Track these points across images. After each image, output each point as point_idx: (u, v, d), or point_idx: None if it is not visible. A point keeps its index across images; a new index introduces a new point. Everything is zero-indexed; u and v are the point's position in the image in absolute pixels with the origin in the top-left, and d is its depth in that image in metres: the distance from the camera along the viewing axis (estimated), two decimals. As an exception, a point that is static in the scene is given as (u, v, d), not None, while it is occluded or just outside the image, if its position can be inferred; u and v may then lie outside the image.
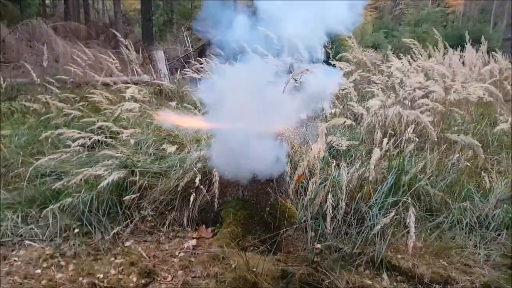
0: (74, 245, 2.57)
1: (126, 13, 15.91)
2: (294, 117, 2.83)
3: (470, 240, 2.90)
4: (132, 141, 3.14)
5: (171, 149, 2.85)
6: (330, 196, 2.58)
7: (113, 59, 4.43)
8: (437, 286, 2.35)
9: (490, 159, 4.18)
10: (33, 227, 2.68)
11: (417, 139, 3.71)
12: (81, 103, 3.91)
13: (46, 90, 4.34)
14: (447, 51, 5.59)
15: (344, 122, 2.58)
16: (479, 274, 2.49)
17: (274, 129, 2.69)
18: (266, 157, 2.61)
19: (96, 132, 3.25)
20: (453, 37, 13.70)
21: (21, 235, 2.64)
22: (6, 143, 3.25)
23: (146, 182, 2.89)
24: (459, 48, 6.29)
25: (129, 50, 5.21)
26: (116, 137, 3.33)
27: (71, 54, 7.04)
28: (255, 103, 2.48)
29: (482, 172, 3.62)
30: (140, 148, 3.34)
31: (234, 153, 2.56)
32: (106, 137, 3.14)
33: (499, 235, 2.94)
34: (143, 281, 2.33)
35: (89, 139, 2.89)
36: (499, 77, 4.92)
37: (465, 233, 2.97)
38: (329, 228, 2.60)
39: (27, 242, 2.59)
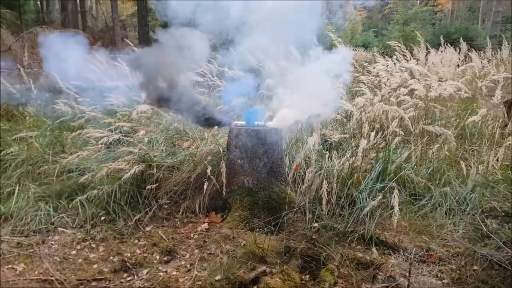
0: (101, 230, 2.93)
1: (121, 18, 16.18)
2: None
3: (449, 220, 3.29)
4: (146, 139, 3.50)
5: (186, 144, 3.22)
6: (325, 182, 2.97)
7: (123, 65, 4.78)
8: (417, 254, 2.71)
9: (470, 149, 4.58)
10: (64, 216, 3.03)
11: (402, 133, 4.10)
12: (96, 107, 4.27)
13: (66, 95, 4.67)
14: (429, 51, 6.01)
15: (335, 117, 2.95)
16: (454, 246, 2.88)
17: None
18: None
19: (113, 132, 3.60)
20: (441, 36, 14.17)
21: (53, 223, 3.00)
22: (33, 143, 3.60)
23: (161, 174, 3.25)
24: (444, 47, 6.69)
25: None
26: (130, 135, 3.68)
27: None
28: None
29: (461, 161, 4.02)
30: (153, 146, 3.70)
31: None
32: (124, 136, 3.49)
33: (474, 214, 3.34)
34: (165, 258, 2.70)
35: (112, 138, 3.24)
36: (472, 76, 5.35)
37: (445, 214, 3.36)
38: (325, 210, 2.98)
39: (59, 229, 2.94)
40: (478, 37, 15.40)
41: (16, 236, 2.81)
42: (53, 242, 2.80)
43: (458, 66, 6.17)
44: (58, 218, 3.03)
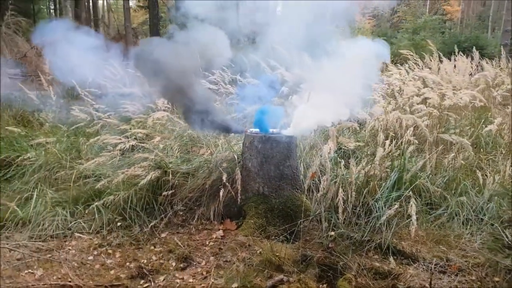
0: (118, 236, 2.94)
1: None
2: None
3: (467, 230, 3.25)
4: (161, 146, 3.52)
5: (202, 151, 3.23)
6: (340, 190, 2.95)
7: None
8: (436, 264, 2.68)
9: (485, 159, 4.53)
10: (80, 222, 3.05)
11: (416, 141, 4.07)
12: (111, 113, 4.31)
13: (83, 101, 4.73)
14: (441, 60, 5.99)
15: (352, 125, 2.94)
16: (473, 257, 2.84)
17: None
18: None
19: (129, 138, 3.63)
20: (451, 44, 14.11)
21: (70, 229, 3.01)
22: (51, 148, 3.64)
23: (177, 181, 3.26)
24: (456, 55, 6.66)
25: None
26: (145, 142, 3.71)
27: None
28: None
29: (477, 170, 3.97)
30: (167, 152, 3.72)
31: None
32: (139, 142, 3.52)
33: (492, 224, 3.29)
34: (181, 265, 2.69)
35: (128, 144, 3.27)
36: (486, 84, 5.32)
37: (462, 224, 3.32)
38: (341, 218, 2.96)
39: (76, 234, 2.95)
40: (488, 46, 15.32)
41: (34, 241, 2.83)
42: (70, 247, 2.81)
43: (471, 75, 6.14)
44: (75, 223, 3.05)
